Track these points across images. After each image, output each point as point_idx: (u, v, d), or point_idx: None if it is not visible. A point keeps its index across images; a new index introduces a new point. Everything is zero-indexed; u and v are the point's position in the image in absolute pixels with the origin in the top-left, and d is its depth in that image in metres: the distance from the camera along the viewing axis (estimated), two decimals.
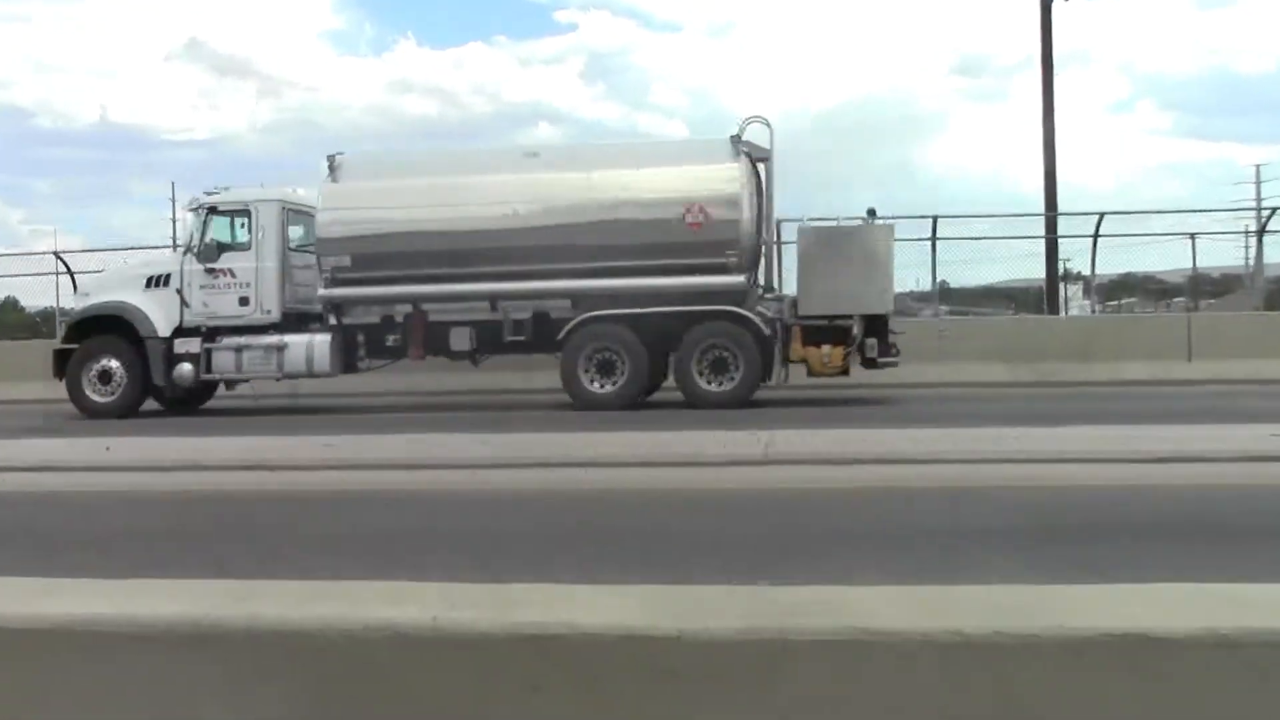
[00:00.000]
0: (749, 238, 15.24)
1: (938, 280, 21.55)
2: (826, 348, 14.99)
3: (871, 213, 15.25)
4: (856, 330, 14.99)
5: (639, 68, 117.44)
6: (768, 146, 15.78)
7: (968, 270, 23.14)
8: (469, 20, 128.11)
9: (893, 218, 21.69)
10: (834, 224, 15.42)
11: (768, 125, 15.83)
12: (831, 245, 15.20)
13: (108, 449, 10.30)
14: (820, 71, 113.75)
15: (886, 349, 15.40)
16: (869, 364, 15.26)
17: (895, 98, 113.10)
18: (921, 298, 22.70)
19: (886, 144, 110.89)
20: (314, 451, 9.85)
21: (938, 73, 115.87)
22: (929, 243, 20.55)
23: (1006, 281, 26.51)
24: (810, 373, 15.22)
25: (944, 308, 22.75)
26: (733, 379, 15.04)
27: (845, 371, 15.22)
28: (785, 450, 9.30)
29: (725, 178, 15.20)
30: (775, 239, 16.20)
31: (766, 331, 15.00)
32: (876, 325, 15.23)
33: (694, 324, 15.15)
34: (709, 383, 15.13)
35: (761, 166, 15.94)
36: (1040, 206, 24.02)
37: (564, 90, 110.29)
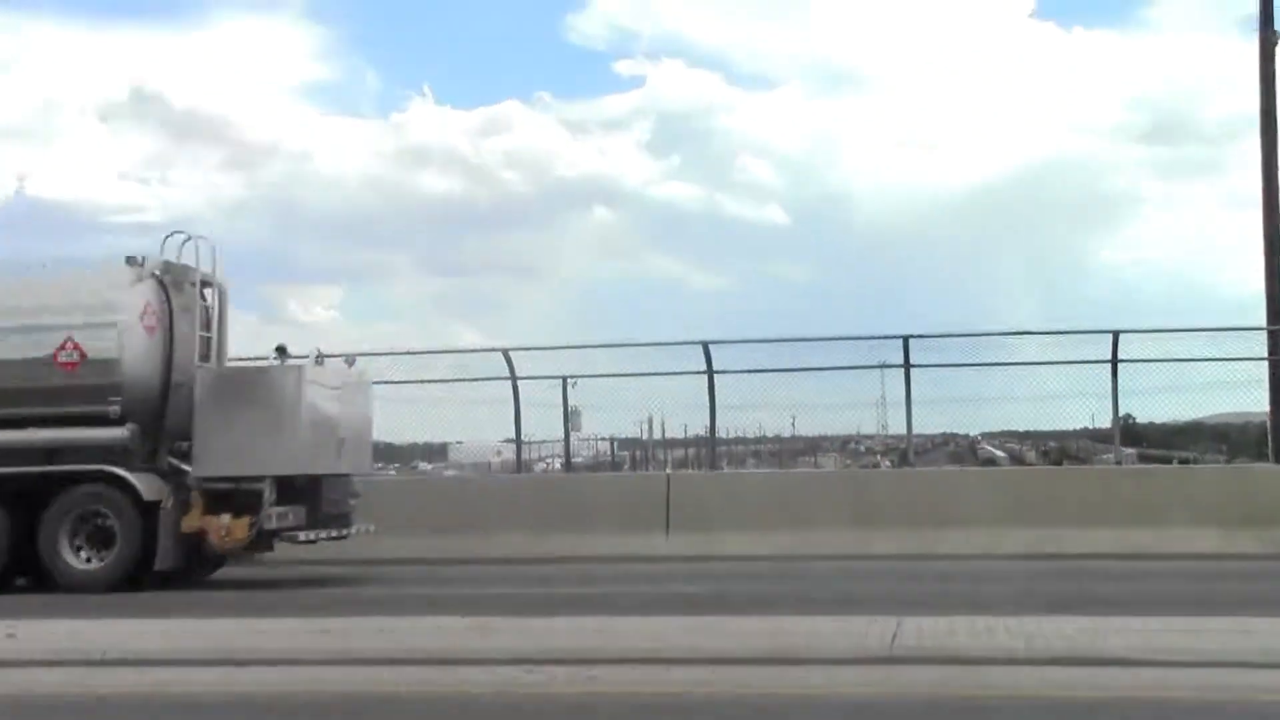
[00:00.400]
0: (143, 382, 12.48)
1: (1120, 415, 16.91)
2: (227, 517, 12.18)
3: (281, 350, 12.58)
4: (269, 495, 12.22)
5: (723, 133, 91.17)
6: (196, 266, 13.14)
7: (1162, 401, 17.81)
8: (502, 72, 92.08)
9: (1057, 332, 17.10)
10: (241, 365, 12.78)
11: (209, 242, 13.31)
12: (233, 391, 12.52)
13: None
14: (965, 138, 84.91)
15: (320, 519, 12.69)
16: (291, 538, 12.50)
17: (1066, 171, 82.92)
18: (1100, 437, 18.61)
19: (1053, 232, 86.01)
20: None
21: (1123, 140, 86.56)
22: (1108, 365, 15.98)
23: (1216, 416, 20.95)
24: (212, 549, 12.40)
25: (1129, 450, 18.13)
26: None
27: (256, 547, 12.42)
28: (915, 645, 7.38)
29: (107, 307, 12.48)
30: None
31: (148, 498, 12.16)
32: (301, 489, 12.52)
33: (67, 487, 12.33)
34: (87, 560, 12.28)
35: (209, 292, 13.39)
36: (1260, 317, 18.18)
37: (627, 163, 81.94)
